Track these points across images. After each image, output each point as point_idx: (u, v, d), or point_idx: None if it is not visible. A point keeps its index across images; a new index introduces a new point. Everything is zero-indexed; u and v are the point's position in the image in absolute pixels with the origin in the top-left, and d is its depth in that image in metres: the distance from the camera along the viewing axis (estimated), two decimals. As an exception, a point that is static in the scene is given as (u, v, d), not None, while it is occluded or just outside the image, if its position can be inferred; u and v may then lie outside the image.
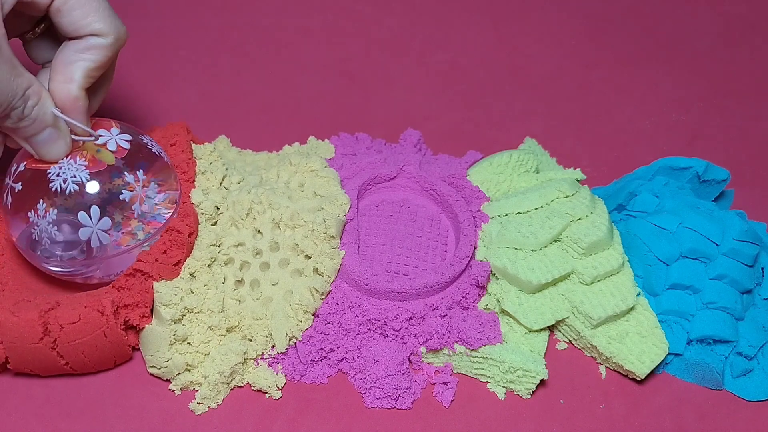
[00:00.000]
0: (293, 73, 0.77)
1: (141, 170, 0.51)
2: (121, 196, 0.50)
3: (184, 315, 0.52)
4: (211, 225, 0.56)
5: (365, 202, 0.60)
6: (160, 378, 0.53)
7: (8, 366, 0.51)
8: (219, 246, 0.55)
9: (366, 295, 0.54)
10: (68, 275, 0.52)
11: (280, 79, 0.77)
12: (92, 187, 0.49)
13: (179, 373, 0.52)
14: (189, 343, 0.52)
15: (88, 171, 0.49)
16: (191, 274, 0.53)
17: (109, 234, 0.50)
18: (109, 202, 0.50)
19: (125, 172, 0.50)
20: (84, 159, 0.50)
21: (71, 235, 0.50)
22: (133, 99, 0.74)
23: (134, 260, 0.52)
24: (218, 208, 0.56)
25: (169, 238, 0.53)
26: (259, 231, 0.56)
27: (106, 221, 0.50)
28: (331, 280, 0.54)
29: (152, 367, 0.53)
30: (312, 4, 0.85)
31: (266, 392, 0.53)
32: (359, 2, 0.85)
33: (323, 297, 0.54)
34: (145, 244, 0.52)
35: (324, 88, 0.76)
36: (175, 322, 0.52)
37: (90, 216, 0.49)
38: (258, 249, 0.55)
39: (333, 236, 0.54)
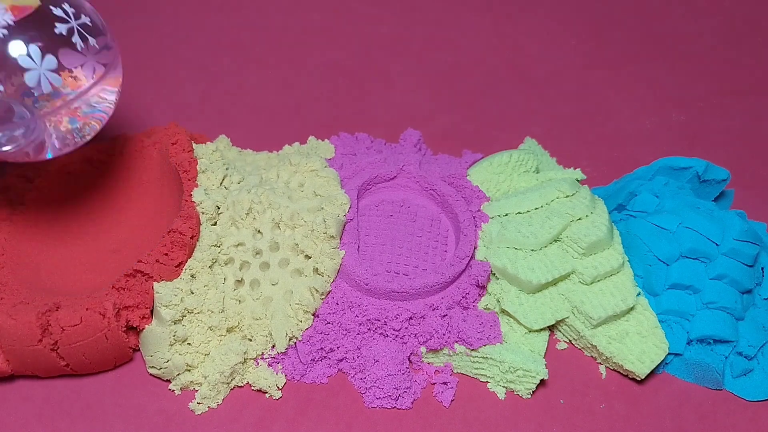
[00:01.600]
0: (293, 73, 0.77)
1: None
2: (56, 30, 0.47)
3: (184, 315, 0.52)
4: (212, 225, 0.56)
5: (365, 202, 0.60)
6: (160, 378, 0.53)
7: (12, 373, 0.52)
8: (219, 246, 0.55)
9: (366, 294, 0.54)
10: (18, 151, 0.49)
11: (280, 79, 0.77)
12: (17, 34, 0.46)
13: (179, 374, 0.52)
14: (189, 344, 0.52)
15: (10, 14, 0.46)
16: (192, 276, 0.53)
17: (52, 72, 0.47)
18: (46, 39, 0.47)
19: (50, 6, 0.48)
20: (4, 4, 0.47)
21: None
22: (133, 99, 0.74)
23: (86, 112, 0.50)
24: (218, 208, 0.56)
25: (171, 239, 0.53)
26: (259, 231, 0.56)
27: (51, 60, 0.47)
28: (331, 280, 0.54)
29: (152, 367, 0.53)
30: (312, 4, 0.85)
31: (266, 392, 0.53)
32: (359, 2, 0.85)
33: (323, 297, 0.54)
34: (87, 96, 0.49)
35: (324, 88, 0.76)
36: (175, 323, 0.52)
37: (31, 56, 0.46)
38: (258, 249, 0.55)
39: (333, 236, 0.54)
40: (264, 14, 0.84)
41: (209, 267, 0.54)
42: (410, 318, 0.53)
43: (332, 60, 0.79)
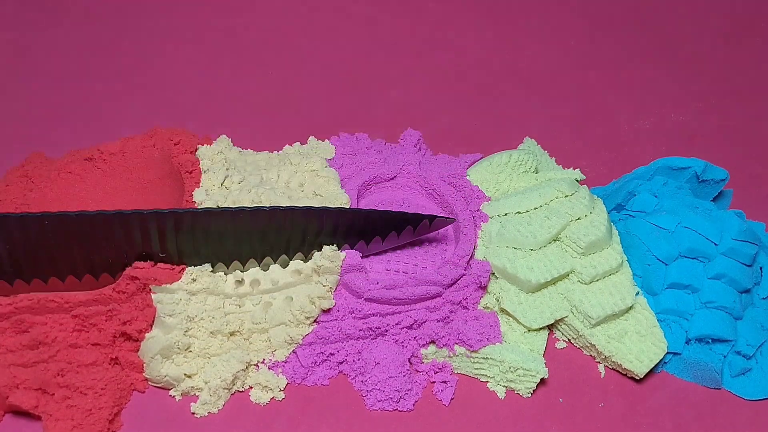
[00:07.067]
0: (293, 73, 0.78)
1: None
2: None
3: (186, 321, 0.52)
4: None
5: (365, 202, 0.60)
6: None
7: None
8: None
9: (366, 300, 0.54)
10: None
11: (280, 79, 0.77)
12: None
13: (178, 383, 0.52)
14: (190, 351, 0.52)
15: None
16: (192, 279, 0.53)
17: None
18: None
19: None
20: None
21: None
22: (133, 99, 0.74)
23: None
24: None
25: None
26: (259, 231, 0.56)
27: None
28: (332, 284, 0.54)
29: (150, 381, 0.53)
30: (312, 4, 0.85)
31: (268, 394, 0.53)
32: (360, 2, 0.86)
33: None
34: None
35: (324, 88, 0.76)
36: (177, 329, 0.51)
37: None
38: (258, 249, 0.55)
39: (333, 236, 0.54)
40: (264, 14, 0.84)
41: (210, 269, 0.53)
42: (410, 319, 0.53)
43: (332, 60, 0.79)
